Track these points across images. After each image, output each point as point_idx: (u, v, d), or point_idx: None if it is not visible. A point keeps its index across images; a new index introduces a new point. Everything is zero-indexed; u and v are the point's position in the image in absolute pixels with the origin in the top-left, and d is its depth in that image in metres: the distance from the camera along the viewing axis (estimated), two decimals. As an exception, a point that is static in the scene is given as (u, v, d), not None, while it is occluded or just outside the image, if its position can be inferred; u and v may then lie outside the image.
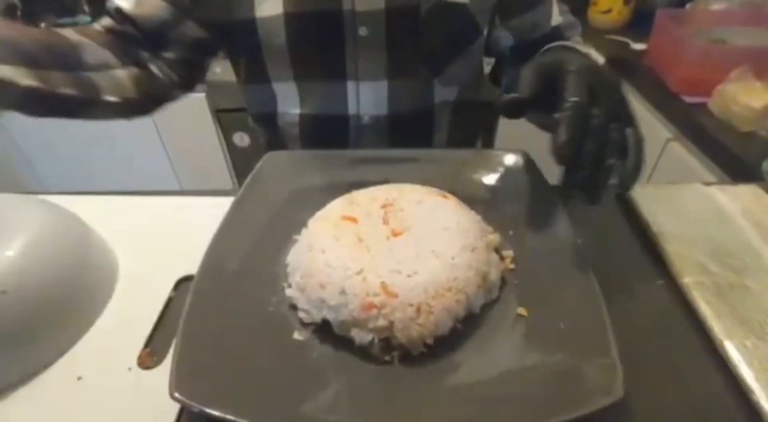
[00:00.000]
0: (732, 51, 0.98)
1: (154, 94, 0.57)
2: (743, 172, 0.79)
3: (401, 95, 0.58)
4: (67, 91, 0.46)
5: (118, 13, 0.54)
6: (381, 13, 0.52)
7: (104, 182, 1.62)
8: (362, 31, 0.53)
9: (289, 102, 0.60)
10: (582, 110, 0.33)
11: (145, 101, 0.56)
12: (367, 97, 0.58)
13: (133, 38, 0.54)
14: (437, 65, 0.58)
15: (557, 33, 0.58)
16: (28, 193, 0.49)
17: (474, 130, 0.75)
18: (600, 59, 0.52)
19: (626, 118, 0.36)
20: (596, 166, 0.34)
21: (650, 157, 1.04)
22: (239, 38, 0.56)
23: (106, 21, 0.55)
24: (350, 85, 0.57)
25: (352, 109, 0.59)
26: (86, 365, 0.35)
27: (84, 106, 0.49)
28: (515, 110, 0.37)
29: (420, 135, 0.64)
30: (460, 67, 0.60)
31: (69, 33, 0.50)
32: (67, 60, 0.47)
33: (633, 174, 0.34)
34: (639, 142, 0.35)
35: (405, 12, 0.53)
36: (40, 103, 0.45)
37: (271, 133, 0.66)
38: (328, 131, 0.61)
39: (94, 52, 0.50)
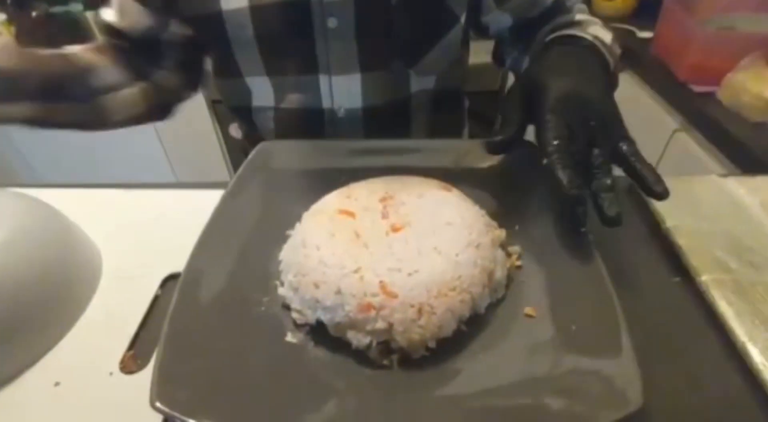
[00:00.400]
0: (742, 38, 0.94)
1: (163, 103, 0.61)
2: (753, 164, 0.77)
3: (376, 87, 0.56)
4: (74, 118, 0.52)
5: (108, 29, 0.55)
6: (350, 3, 0.50)
7: (98, 174, 1.59)
8: (331, 22, 0.51)
9: (263, 96, 0.59)
10: (564, 150, 0.34)
11: (154, 111, 0.60)
12: (340, 90, 0.56)
13: (130, 51, 0.55)
14: (412, 56, 0.56)
15: (558, 5, 0.55)
16: (18, 185, 0.46)
17: (456, 119, 0.72)
18: (607, 36, 0.50)
19: (616, 133, 0.37)
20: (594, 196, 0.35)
21: (656, 148, 1.01)
22: (210, 32, 0.54)
23: (103, 37, 0.56)
24: (322, 79, 0.55)
25: (326, 103, 0.57)
26: (65, 370, 0.33)
27: (93, 126, 0.55)
28: (504, 149, 0.39)
29: (397, 126, 0.62)
30: (437, 57, 0.57)
31: (80, 53, 0.53)
32: (76, 89, 0.51)
33: (655, 180, 0.35)
34: (635, 152, 0.36)
35: (375, 1, 0.51)
36: (45, 127, 0.50)
37: (248, 126, 0.65)
38: (303, 125, 0.60)
39: (103, 74, 0.53)
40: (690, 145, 0.93)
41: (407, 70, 0.57)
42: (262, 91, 0.58)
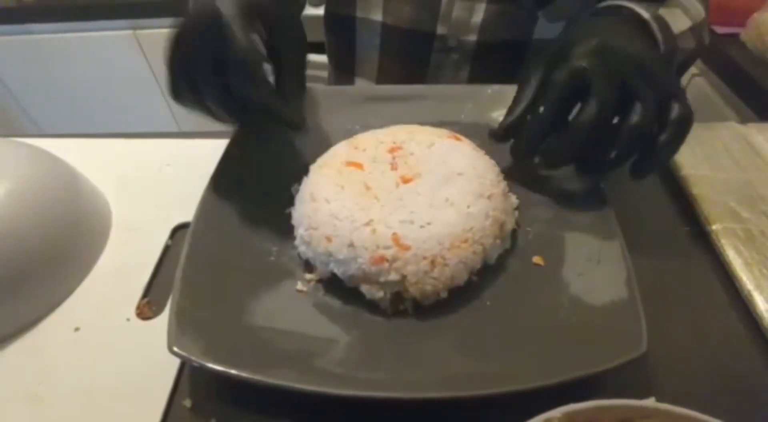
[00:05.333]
0: (773, -26, 0.88)
1: None
2: (772, 111, 0.74)
3: (498, 22, 0.52)
4: None
5: None
6: None
7: (99, 124, 1.56)
8: None
9: (372, 6, 0.55)
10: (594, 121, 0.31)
11: None
12: (460, 16, 0.52)
13: None
14: None
15: None
16: (21, 135, 0.45)
17: None
18: (679, 22, 0.44)
19: (662, 87, 0.31)
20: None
21: (671, 94, 0.98)
22: None
23: None
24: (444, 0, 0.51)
25: (440, 28, 0.53)
26: (83, 316, 0.34)
27: None
28: (505, 138, 0.36)
29: (505, 73, 0.55)
30: (571, 2, 0.49)
31: None
32: None
33: (665, 149, 0.31)
34: (682, 117, 0.31)
35: None
36: None
37: (346, 39, 0.60)
38: (410, 48, 0.56)
39: None
40: (708, 91, 0.90)
41: (536, 11, 0.51)
42: None
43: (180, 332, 0.28)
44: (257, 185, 0.38)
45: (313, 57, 0.56)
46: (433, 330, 0.31)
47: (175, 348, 0.27)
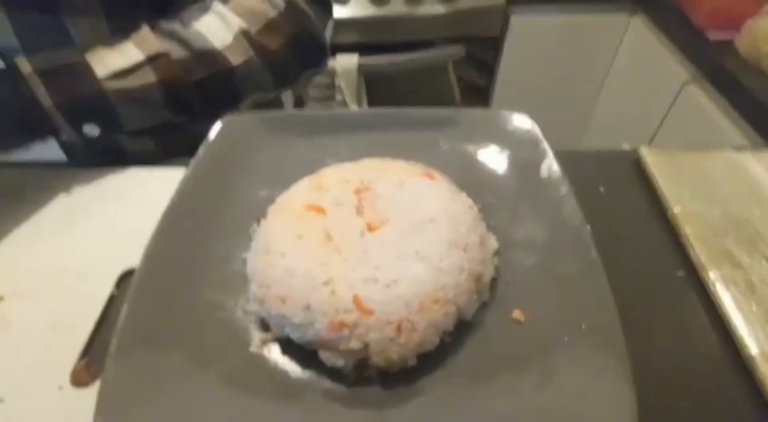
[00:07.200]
0: (768, -22, 0.85)
1: None
2: (765, 120, 0.72)
3: None
4: None
5: None
6: None
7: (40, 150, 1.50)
8: None
9: None
10: None
11: None
12: None
13: None
14: None
15: None
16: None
17: None
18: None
19: None
20: None
21: (663, 103, 0.95)
22: None
23: None
24: None
25: None
26: (7, 385, 0.30)
27: None
28: None
29: None
30: None
31: None
32: None
33: None
34: None
35: None
36: None
37: None
38: None
39: None
40: (701, 100, 0.87)
41: None
42: None
43: (109, 410, 0.24)
44: (212, 227, 0.35)
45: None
46: (400, 400, 0.27)
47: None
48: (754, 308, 0.32)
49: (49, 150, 0.44)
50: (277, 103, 0.64)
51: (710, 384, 0.30)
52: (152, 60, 0.43)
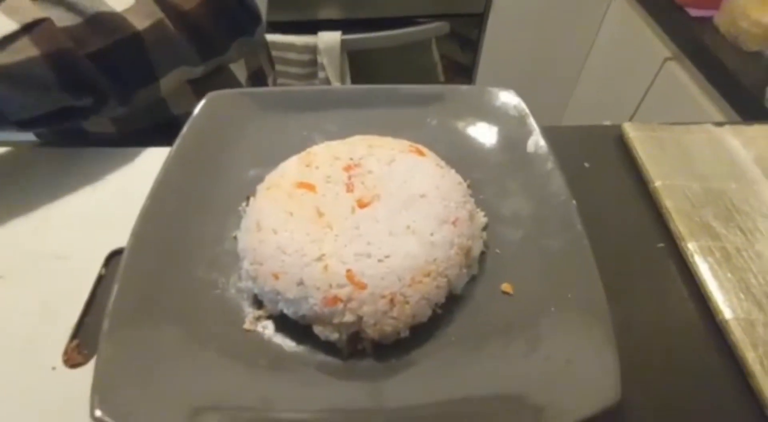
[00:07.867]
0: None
1: None
2: (743, 97, 0.73)
3: None
4: None
5: None
6: None
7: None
8: None
9: None
10: None
11: None
12: None
13: None
14: None
15: None
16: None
17: None
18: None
19: None
20: None
21: (644, 79, 0.96)
22: None
23: None
24: None
25: None
26: (1, 365, 0.30)
27: None
28: None
29: None
30: None
31: None
32: None
33: None
34: None
35: None
36: None
37: None
38: None
39: None
40: (681, 76, 0.89)
41: None
42: None
43: (105, 391, 0.24)
44: (201, 205, 0.34)
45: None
46: (393, 371, 0.28)
47: (98, 413, 0.24)
48: (729, 275, 0.33)
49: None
50: (228, 82, 0.54)
51: (687, 348, 0.31)
52: (29, 28, 0.35)
